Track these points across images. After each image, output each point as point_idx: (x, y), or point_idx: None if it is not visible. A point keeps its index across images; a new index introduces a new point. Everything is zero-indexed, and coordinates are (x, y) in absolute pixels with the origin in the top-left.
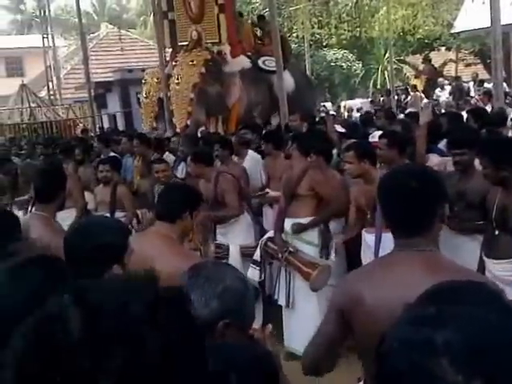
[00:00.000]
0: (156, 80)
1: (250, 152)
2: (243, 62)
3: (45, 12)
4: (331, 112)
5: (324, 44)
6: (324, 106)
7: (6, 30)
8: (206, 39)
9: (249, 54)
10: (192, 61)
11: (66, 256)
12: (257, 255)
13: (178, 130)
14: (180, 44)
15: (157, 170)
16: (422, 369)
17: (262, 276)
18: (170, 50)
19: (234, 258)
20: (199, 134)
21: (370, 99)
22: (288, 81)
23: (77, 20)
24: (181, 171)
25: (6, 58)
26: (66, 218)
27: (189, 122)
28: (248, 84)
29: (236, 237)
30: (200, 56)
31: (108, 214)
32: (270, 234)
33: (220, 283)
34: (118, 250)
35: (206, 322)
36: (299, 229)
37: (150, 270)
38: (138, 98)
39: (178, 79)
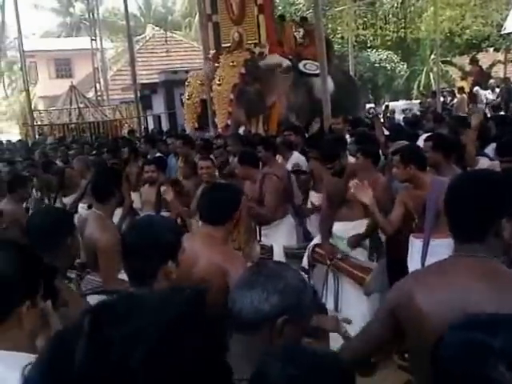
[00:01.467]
0: (199, 82)
1: (295, 153)
2: (274, 60)
3: (93, 15)
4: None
5: (368, 45)
6: (373, 108)
7: (55, 32)
8: (247, 40)
9: (289, 57)
10: (233, 62)
11: (124, 252)
12: (305, 262)
13: (219, 131)
14: (223, 46)
15: (201, 166)
16: (478, 373)
17: (311, 282)
18: (214, 51)
19: (278, 259)
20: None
21: (419, 101)
22: (328, 83)
23: (123, 22)
24: None
25: (55, 60)
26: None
27: (229, 122)
28: (288, 86)
29: (279, 238)
30: (240, 57)
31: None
32: (317, 239)
33: (281, 280)
34: (173, 248)
35: (266, 318)
36: (356, 242)
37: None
38: (181, 99)
39: (219, 80)
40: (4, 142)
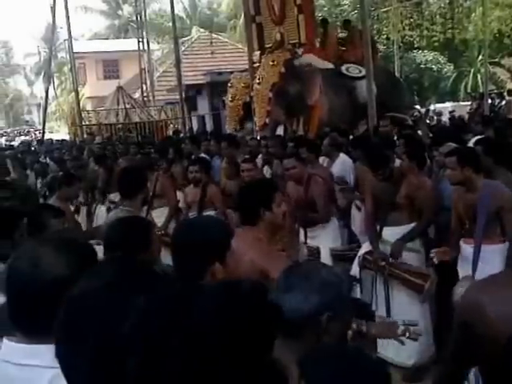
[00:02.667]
0: (243, 84)
1: (342, 155)
2: (309, 59)
3: (141, 17)
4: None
5: (414, 46)
6: (419, 110)
7: (103, 34)
8: (288, 40)
9: (332, 60)
10: (273, 61)
11: (173, 252)
12: (354, 271)
13: (257, 129)
14: (266, 46)
15: (243, 169)
16: None
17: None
18: (259, 52)
19: (325, 261)
20: (277, 133)
21: (469, 103)
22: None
23: (170, 24)
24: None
25: (103, 61)
26: (158, 216)
27: (267, 121)
28: (329, 89)
29: (325, 240)
30: (281, 56)
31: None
32: (366, 246)
33: (316, 278)
34: (222, 248)
35: (308, 317)
36: (399, 249)
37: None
38: (223, 101)
39: (259, 79)
40: (54, 141)
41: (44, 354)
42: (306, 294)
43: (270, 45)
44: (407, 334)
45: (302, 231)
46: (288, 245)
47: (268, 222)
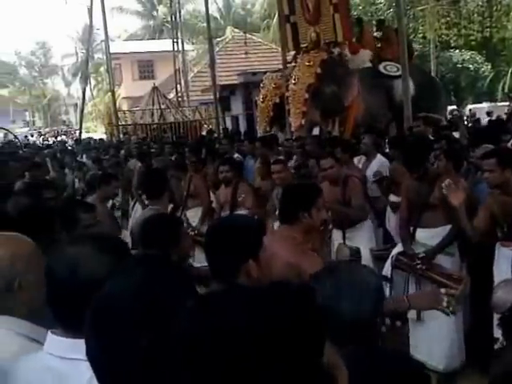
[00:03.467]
0: (274, 85)
1: (379, 155)
2: (365, 56)
3: (175, 17)
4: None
5: (451, 45)
6: (457, 110)
7: (139, 35)
8: (324, 39)
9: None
10: (309, 61)
11: (206, 250)
12: (386, 271)
13: (292, 130)
14: (302, 46)
15: (273, 170)
16: None
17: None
18: (293, 52)
19: (366, 261)
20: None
21: (507, 103)
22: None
23: (204, 24)
24: None
25: (138, 62)
26: (192, 216)
27: (303, 122)
28: (366, 88)
29: (361, 240)
30: (317, 57)
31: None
32: (399, 247)
33: (365, 282)
34: (255, 246)
35: (361, 321)
36: (433, 253)
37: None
38: (255, 102)
39: (294, 80)
40: (91, 140)
41: (84, 348)
42: (357, 299)
43: (305, 45)
44: (451, 308)
45: (337, 232)
46: (319, 245)
47: (305, 224)
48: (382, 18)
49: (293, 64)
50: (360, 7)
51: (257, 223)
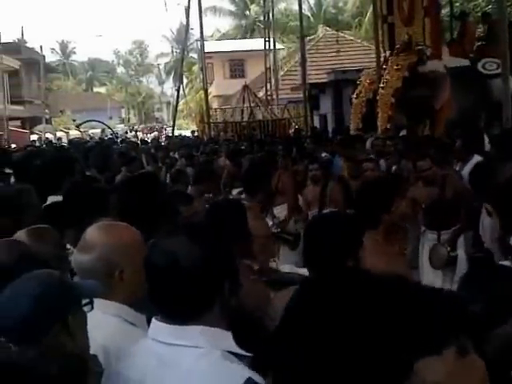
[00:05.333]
0: (368, 81)
1: (476, 156)
2: (437, 65)
3: (268, 16)
4: None
5: None
6: None
7: (231, 34)
8: (416, 42)
9: (471, 55)
10: (398, 65)
11: (305, 249)
12: None
13: (378, 133)
14: (397, 47)
15: (366, 168)
16: None
17: None
18: (388, 52)
19: (462, 265)
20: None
21: None
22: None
23: (295, 23)
24: None
25: (230, 61)
26: (278, 212)
27: (389, 126)
28: (461, 88)
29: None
30: (406, 60)
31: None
32: None
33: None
34: (354, 246)
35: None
36: None
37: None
38: (351, 99)
39: (383, 83)
40: (184, 137)
41: (189, 335)
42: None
43: (397, 46)
44: None
45: (431, 234)
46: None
47: (386, 224)
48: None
49: (384, 66)
50: (457, 4)
51: (356, 222)
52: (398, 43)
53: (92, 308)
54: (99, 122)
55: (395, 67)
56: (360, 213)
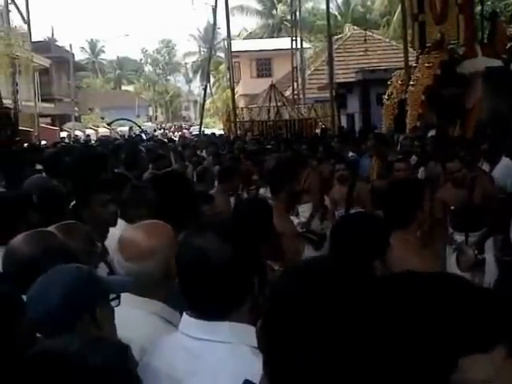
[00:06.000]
0: (400, 82)
1: (504, 159)
2: (478, 65)
3: (295, 15)
4: None
5: None
6: None
7: (257, 33)
8: (448, 40)
9: (503, 56)
10: (429, 63)
11: (332, 248)
12: None
13: (407, 131)
14: (427, 45)
15: (397, 168)
16: None
17: None
18: (419, 51)
19: (491, 268)
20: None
21: None
22: None
23: (322, 22)
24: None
25: (257, 60)
26: (303, 211)
27: (418, 124)
28: (494, 88)
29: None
30: (437, 58)
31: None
32: None
33: None
34: (381, 246)
35: None
36: None
37: None
38: (378, 99)
39: (413, 81)
40: (212, 135)
41: (217, 331)
42: None
43: (429, 44)
44: None
45: (459, 236)
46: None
47: (419, 223)
48: None
49: (414, 64)
50: (488, 2)
51: (383, 222)
52: (429, 42)
53: (119, 303)
54: (130, 120)
55: (426, 65)
56: (388, 212)
